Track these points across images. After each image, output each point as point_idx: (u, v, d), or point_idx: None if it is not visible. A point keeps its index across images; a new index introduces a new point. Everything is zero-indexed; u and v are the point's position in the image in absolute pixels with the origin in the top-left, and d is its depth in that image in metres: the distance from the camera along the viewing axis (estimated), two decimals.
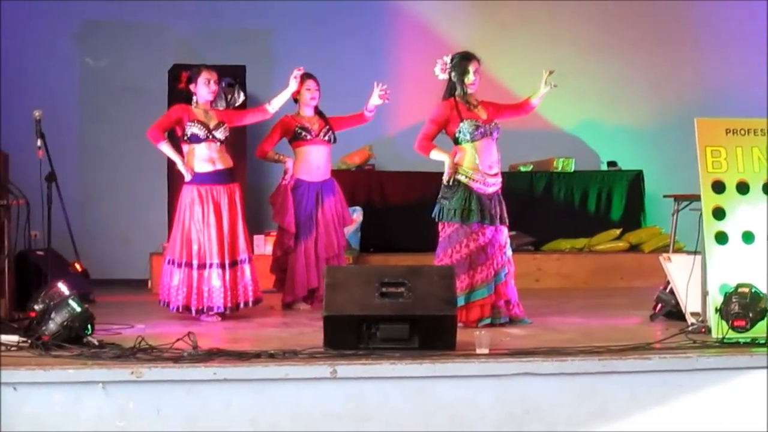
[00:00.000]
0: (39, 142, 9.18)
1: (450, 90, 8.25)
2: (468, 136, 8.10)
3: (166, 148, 8.60)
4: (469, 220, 8.01)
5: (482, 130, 8.12)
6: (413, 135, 11.95)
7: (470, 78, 8.17)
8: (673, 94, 12.83)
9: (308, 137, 9.29)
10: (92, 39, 12.25)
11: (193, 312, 8.45)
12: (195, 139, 8.51)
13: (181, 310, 8.48)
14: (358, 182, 11.75)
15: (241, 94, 9.03)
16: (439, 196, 8.15)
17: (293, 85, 8.95)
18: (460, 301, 7.80)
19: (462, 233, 8.02)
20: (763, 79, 12.47)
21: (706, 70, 12.89)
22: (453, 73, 8.20)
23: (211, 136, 8.55)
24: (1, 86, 11.36)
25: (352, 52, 12.30)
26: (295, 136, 9.30)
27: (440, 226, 8.15)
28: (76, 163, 12.03)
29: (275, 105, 8.91)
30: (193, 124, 8.50)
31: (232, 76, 9.23)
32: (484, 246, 8.05)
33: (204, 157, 8.55)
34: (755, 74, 12.66)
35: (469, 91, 8.21)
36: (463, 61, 8.21)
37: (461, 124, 8.09)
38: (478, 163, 8.08)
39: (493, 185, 8.15)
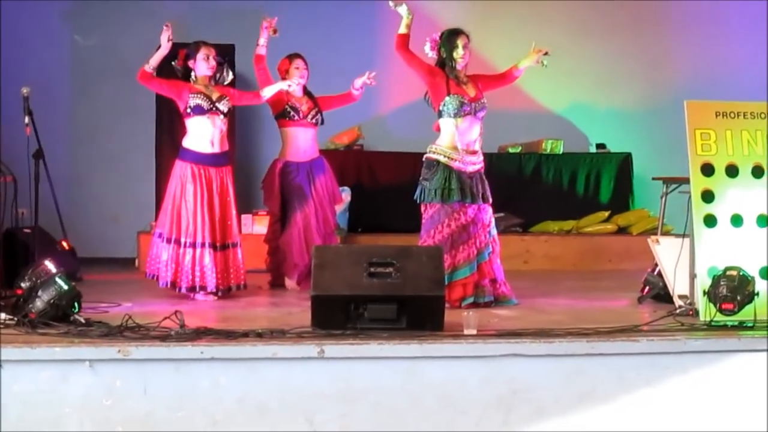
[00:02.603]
0: (27, 119, 9.15)
1: (440, 66, 8.24)
2: (452, 112, 8.09)
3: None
4: (450, 200, 8.01)
5: (467, 108, 8.11)
6: (402, 115, 12.06)
7: (459, 52, 8.17)
8: (662, 76, 12.83)
9: (296, 118, 9.24)
10: (82, 17, 12.21)
11: (183, 289, 8.44)
12: (198, 110, 8.47)
13: (168, 286, 8.47)
14: (347, 162, 11.74)
15: (230, 73, 9.00)
16: (421, 177, 8.15)
17: (290, 83, 8.97)
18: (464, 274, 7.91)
19: (444, 213, 8.02)
20: (753, 61, 12.48)
21: (696, 53, 12.88)
22: (442, 49, 8.20)
23: (214, 108, 8.52)
24: None
25: (341, 31, 12.27)
26: (284, 113, 9.25)
27: (423, 208, 8.14)
28: (64, 141, 12.00)
29: (267, 94, 8.93)
30: (196, 95, 8.48)
31: (221, 55, 9.19)
32: (466, 225, 8.05)
33: (207, 137, 8.52)
34: (746, 57, 12.66)
35: (459, 65, 8.20)
36: (451, 36, 8.21)
37: (447, 98, 8.09)
38: (457, 142, 8.07)
39: (472, 164, 8.14)
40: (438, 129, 8.24)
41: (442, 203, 8.01)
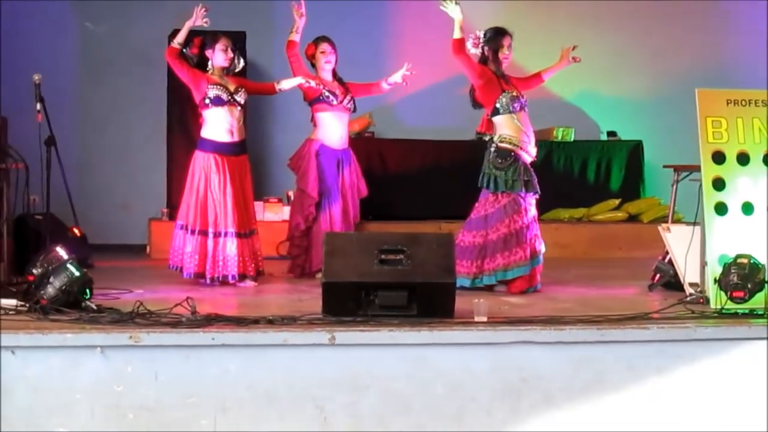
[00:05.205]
0: (38, 106, 9.17)
1: (483, 63, 8.29)
2: (509, 108, 8.17)
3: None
4: (528, 190, 8.15)
5: (520, 102, 8.22)
6: (413, 103, 12.07)
7: (504, 52, 8.29)
8: (673, 64, 12.81)
9: (334, 103, 9.09)
10: (92, 3, 12.20)
11: (207, 280, 8.45)
12: (218, 101, 8.46)
13: (194, 277, 8.48)
14: (358, 149, 11.54)
15: (241, 61, 8.98)
16: (490, 165, 8.19)
17: (302, 80, 8.89)
18: (526, 270, 8.07)
19: (521, 202, 8.13)
20: (764, 50, 12.45)
21: (707, 41, 12.86)
22: (486, 48, 8.23)
23: (232, 100, 8.53)
24: (0, 49, 11.33)
25: (352, 20, 12.23)
26: (321, 98, 9.09)
27: (490, 196, 8.20)
28: (75, 128, 12.01)
29: (284, 86, 8.89)
30: (214, 86, 8.47)
31: (232, 42, 9.18)
32: (536, 214, 8.26)
33: (225, 127, 8.52)
34: (756, 45, 12.63)
35: (503, 66, 8.26)
36: (497, 36, 8.29)
37: (502, 96, 8.17)
38: (522, 133, 8.19)
39: (533, 156, 8.30)
40: (486, 129, 8.29)
41: (519, 193, 8.12)
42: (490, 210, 8.16)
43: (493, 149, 8.20)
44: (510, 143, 8.16)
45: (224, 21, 10.13)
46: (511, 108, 8.17)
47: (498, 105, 8.18)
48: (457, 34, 8.09)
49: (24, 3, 11.68)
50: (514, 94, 8.21)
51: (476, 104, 8.38)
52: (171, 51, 8.48)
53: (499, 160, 8.14)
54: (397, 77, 9.17)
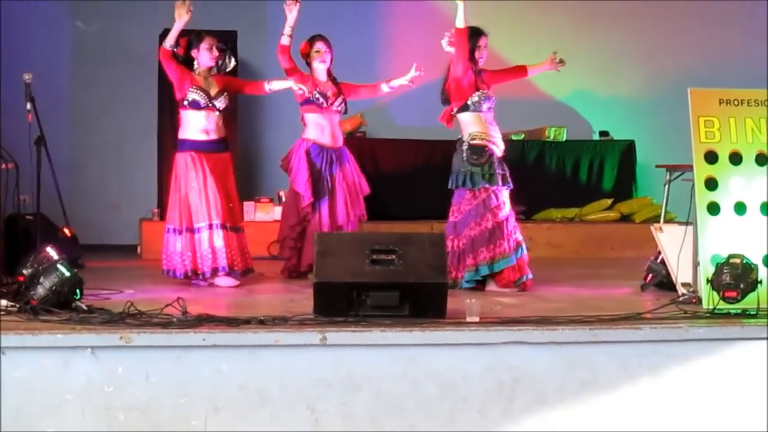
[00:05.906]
0: (29, 106, 9.13)
1: None
2: (479, 107, 8.24)
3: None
4: (505, 183, 8.23)
5: (489, 103, 8.29)
6: (406, 103, 12.04)
7: (480, 52, 8.31)
8: (666, 64, 12.83)
9: (324, 105, 9.01)
10: (83, 3, 12.18)
11: (201, 276, 8.44)
12: (195, 105, 8.44)
13: (190, 275, 8.46)
14: (349, 149, 11.67)
15: (232, 60, 8.96)
16: (465, 164, 8.22)
17: (293, 84, 8.84)
18: (511, 261, 8.12)
19: (498, 195, 8.18)
20: (757, 50, 12.46)
21: (700, 41, 12.87)
22: None
23: (210, 105, 8.49)
24: None
25: (345, 20, 12.22)
26: (311, 100, 9.00)
27: (467, 194, 8.22)
28: (66, 128, 12.00)
29: (274, 87, 8.86)
30: (194, 90, 8.44)
31: (223, 42, 9.16)
32: (512, 208, 8.30)
33: (199, 128, 8.49)
34: (749, 46, 12.64)
35: (479, 65, 8.33)
36: (474, 35, 8.32)
37: (475, 94, 8.24)
38: (490, 130, 8.26)
39: (502, 150, 8.34)
40: (446, 121, 8.32)
41: (497, 187, 8.18)
42: (469, 207, 8.17)
43: (465, 148, 8.24)
44: (482, 139, 8.21)
45: (215, 20, 10.15)
46: (480, 107, 8.23)
47: (469, 102, 8.25)
48: (462, 24, 8.13)
49: (16, 3, 11.65)
50: (487, 94, 8.28)
51: (447, 99, 8.38)
52: (163, 52, 8.45)
53: (475, 157, 8.19)
54: (403, 80, 9.07)
